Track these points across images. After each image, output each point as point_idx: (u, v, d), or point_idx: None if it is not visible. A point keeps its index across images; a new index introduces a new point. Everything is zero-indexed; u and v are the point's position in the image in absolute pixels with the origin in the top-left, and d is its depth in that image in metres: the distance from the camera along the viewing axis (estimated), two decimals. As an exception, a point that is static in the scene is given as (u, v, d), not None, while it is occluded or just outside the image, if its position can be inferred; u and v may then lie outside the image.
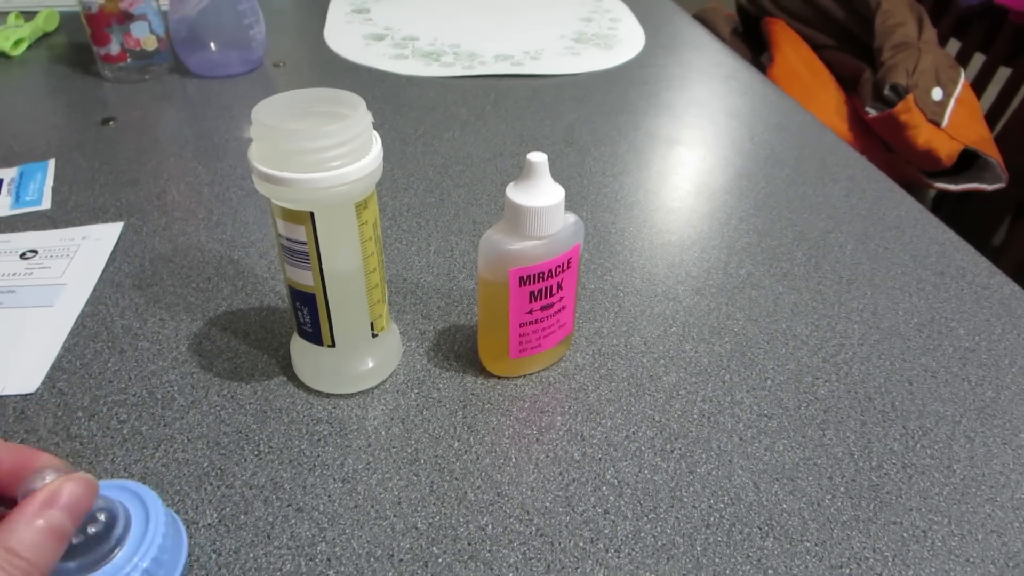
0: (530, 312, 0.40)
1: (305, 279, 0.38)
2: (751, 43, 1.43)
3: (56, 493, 0.27)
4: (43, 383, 0.43)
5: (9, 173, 0.63)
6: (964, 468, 0.40)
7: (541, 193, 0.37)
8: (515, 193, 0.37)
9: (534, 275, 0.39)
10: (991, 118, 1.32)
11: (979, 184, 1.19)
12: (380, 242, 0.39)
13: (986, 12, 1.32)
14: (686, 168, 0.68)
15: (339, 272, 0.38)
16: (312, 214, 0.35)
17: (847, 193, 0.64)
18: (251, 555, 0.34)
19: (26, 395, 0.42)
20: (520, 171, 0.38)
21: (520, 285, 0.39)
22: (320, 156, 0.33)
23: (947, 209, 1.41)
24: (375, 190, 0.37)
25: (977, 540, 0.36)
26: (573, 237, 0.40)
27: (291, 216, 0.35)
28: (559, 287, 0.41)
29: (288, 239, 0.37)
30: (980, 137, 1.19)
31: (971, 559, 0.35)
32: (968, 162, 1.20)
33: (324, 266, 0.37)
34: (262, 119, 0.33)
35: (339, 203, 0.35)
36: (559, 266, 0.39)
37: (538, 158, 0.37)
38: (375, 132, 0.36)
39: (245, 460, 0.39)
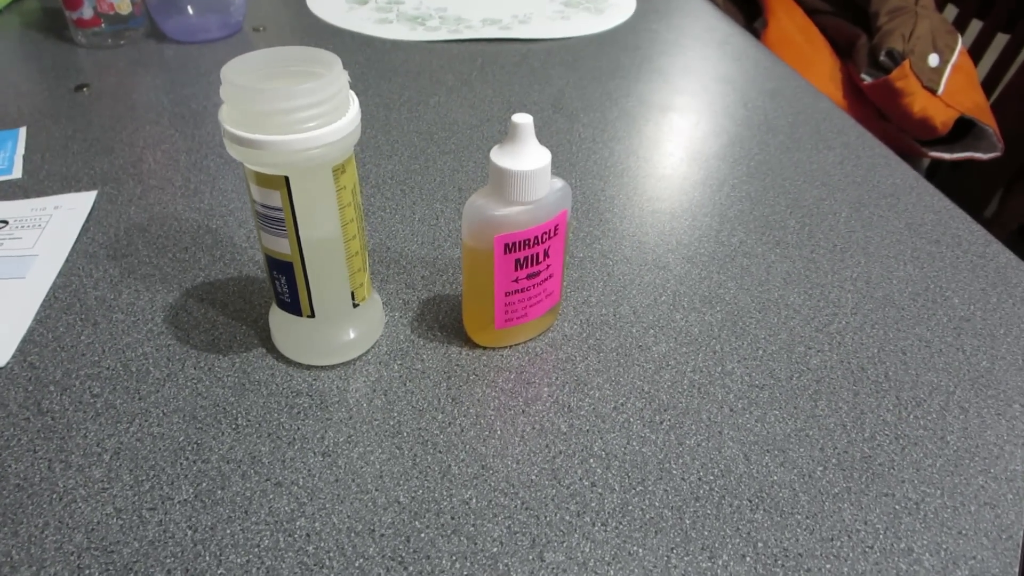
0: (516, 280, 0.39)
1: (282, 247, 0.36)
2: (745, 8, 1.40)
3: None
4: (14, 356, 0.42)
5: (-22, 140, 0.61)
6: (957, 439, 0.39)
7: (526, 156, 0.35)
8: (499, 156, 0.36)
9: (519, 242, 0.37)
10: (988, 86, 1.31)
11: (974, 153, 1.18)
12: (360, 209, 0.38)
13: (984, -23, 1.30)
14: (678, 134, 0.66)
15: (317, 239, 0.36)
16: (287, 179, 0.34)
17: (842, 160, 0.63)
18: (228, 531, 0.33)
19: (-5, 368, 0.41)
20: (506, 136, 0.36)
21: (505, 252, 0.38)
22: (294, 117, 0.32)
23: (940, 178, 1.40)
24: (353, 154, 0.36)
25: (970, 512, 0.36)
26: (560, 203, 0.38)
27: (265, 181, 0.34)
28: (545, 254, 0.39)
29: (263, 205, 0.35)
30: (976, 105, 1.17)
31: (964, 531, 0.35)
32: (964, 130, 1.19)
33: (301, 233, 0.36)
34: (232, 79, 0.32)
35: (315, 167, 0.34)
36: (545, 233, 0.38)
37: (523, 120, 0.35)
38: (352, 92, 0.35)
39: (222, 434, 0.37)
